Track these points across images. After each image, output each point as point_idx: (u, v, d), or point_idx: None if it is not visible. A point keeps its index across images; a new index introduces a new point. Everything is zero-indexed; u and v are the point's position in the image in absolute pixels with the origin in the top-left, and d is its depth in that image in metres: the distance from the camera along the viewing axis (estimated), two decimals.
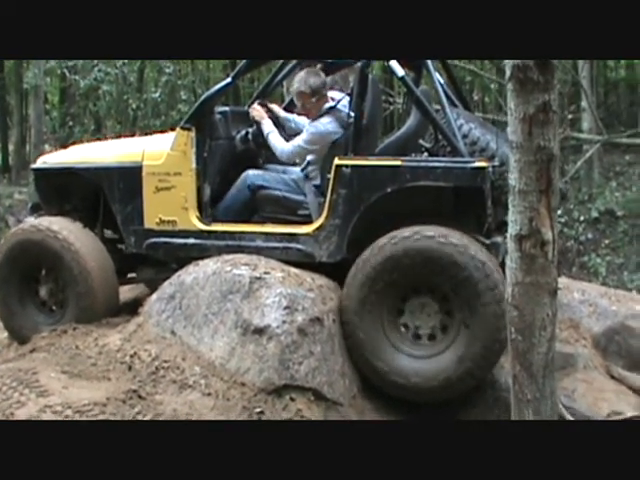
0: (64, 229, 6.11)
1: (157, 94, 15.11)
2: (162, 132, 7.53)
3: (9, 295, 6.31)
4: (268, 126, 6.13)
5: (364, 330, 5.35)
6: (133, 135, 9.83)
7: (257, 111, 6.25)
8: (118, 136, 10.60)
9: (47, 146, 18.88)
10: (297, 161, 6.25)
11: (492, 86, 14.24)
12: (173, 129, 6.41)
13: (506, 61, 3.45)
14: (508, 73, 3.44)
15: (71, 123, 17.45)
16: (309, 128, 5.98)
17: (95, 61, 14.93)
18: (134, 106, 15.77)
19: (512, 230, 3.53)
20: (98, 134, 16.52)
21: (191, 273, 5.59)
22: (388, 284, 5.33)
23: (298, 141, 5.97)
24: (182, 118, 14.21)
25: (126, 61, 15.34)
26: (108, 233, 6.70)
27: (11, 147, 22.13)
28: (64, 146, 8.75)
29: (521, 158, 3.45)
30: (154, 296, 5.69)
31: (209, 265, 5.57)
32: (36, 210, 6.90)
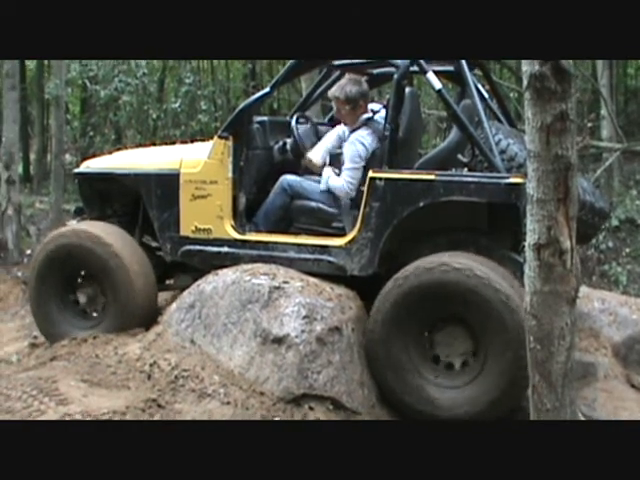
0: (108, 234, 6.17)
1: (177, 104, 15.12)
2: (183, 142, 7.58)
3: (46, 298, 6.35)
4: (326, 172, 6.08)
5: (390, 358, 5.31)
6: (154, 145, 9.87)
7: (308, 160, 6.22)
8: (138, 146, 10.62)
9: (68, 156, 18.96)
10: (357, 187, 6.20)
11: (511, 95, 14.19)
12: (193, 139, 6.45)
13: (523, 70, 3.45)
14: (525, 82, 3.43)
15: (92, 133, 17.51)
16: (344, 149, 5.96)
17: (116, 71, 15.00)
18: (154, 116, 15.80)
19: (530, 239, 3.52)
20: (118, 144, 16.57)
21: (210, 282, 5.62)
22: (414, 314, 5.28)
23: (344, 172, 5.92)
24: (202, 128, 14.25)
25: (146, 71, 15.39)
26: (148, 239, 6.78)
27: (32, 157, 22.27)
28: (85, 156, 8.79)
29: (539, 167, 3.44)
30: (174, 305, 5.73)
31: (228, 274, 5.59)
32: (79, 214, 7.00)
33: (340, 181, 5.93)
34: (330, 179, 6.01)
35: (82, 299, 6.33)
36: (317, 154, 6.16)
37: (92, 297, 6.30)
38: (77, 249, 6.16)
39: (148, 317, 6.05)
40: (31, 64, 23.01)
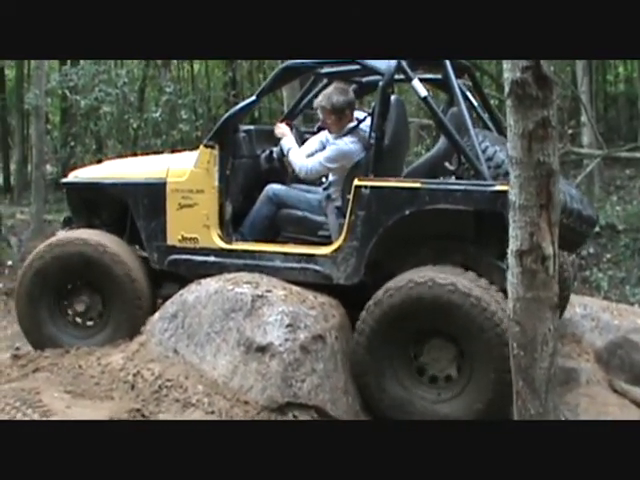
0: (108, 241, 6.18)
1: (158, 113, 15.07)
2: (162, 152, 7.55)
3: (38, 309, 6.26)
4: (289, 142, 6.14)
5: (375, 372, 5.30)
6: (135, 155, 9.83)
7: (280, 128, 6.29)
8: (119, 156, 10.57)
9: (49, 166, 18.91)
10: (320, 179, 6.23)
11: (492, 102, 14.26)
12: (174, 149, 6.43)
13: (505, 77, 3.46)
14: (507, 89, 3.44)
15: (72, 143, 17.43)
16: (331, 146, 5.96)
17: (96, 81, 14.97)
18: (135, 126, 15.76)
19: (513, 245, 3.53)
20: (99, 154, 16.53)
21: (193, 292, 5.60)
22: (400, 329, 5.25)
23: (319, 158, 5.96)
24: (183, 137, 14.20)
25: (127, 81, 15.37)
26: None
27: (13, 167, 22.19)
28: (65, 166, 8.76)
29: (521, 174, 3.46)
30: (156, 315, 5.70)
31: (211, 284, 5.58)
32: (68, 223, 6.95)
33: (305, 162, 5.98)
34: (292, 152, 6.07)
35: (79, 308, 6.27)
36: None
37: (89, 306, 6.27)
38: (76, 257, 6.12)
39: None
40: (10, 74, 22.95)
